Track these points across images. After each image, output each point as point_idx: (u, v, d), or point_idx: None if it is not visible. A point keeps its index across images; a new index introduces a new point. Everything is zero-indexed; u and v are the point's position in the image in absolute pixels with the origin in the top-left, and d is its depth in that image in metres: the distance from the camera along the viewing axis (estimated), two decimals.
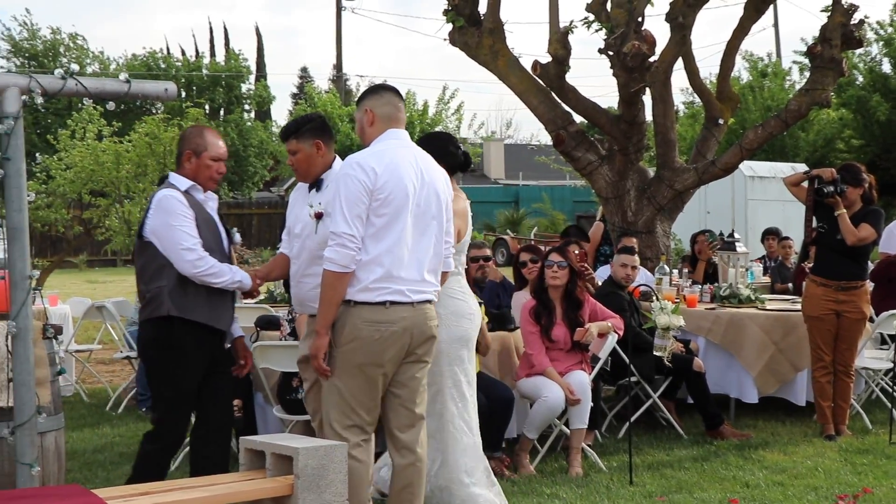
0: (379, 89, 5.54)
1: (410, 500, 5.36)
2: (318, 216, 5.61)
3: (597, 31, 11.29)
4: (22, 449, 4.69)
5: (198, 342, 5.71)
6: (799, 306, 9.11)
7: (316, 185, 5.78)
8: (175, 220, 5.67)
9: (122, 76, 4.95)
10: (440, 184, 5.43)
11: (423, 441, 5.44)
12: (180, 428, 5.86)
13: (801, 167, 27.91)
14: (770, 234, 14.04)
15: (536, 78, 11.69)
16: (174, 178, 5.92)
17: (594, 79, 74.69)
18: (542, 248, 8.98)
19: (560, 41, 11.49)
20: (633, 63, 10.84)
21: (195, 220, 5.72)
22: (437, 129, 35.00)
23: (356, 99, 5.77)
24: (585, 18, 11.39)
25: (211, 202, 5.96)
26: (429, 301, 5.36)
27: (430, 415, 5.85)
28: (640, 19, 10.74)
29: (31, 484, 4.67)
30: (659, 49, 11.21)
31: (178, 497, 4.83)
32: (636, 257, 9.28)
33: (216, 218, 5.96)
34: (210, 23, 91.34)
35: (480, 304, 7.53)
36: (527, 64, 11.76)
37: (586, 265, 9.60)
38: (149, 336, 5.76)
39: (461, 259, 6.32)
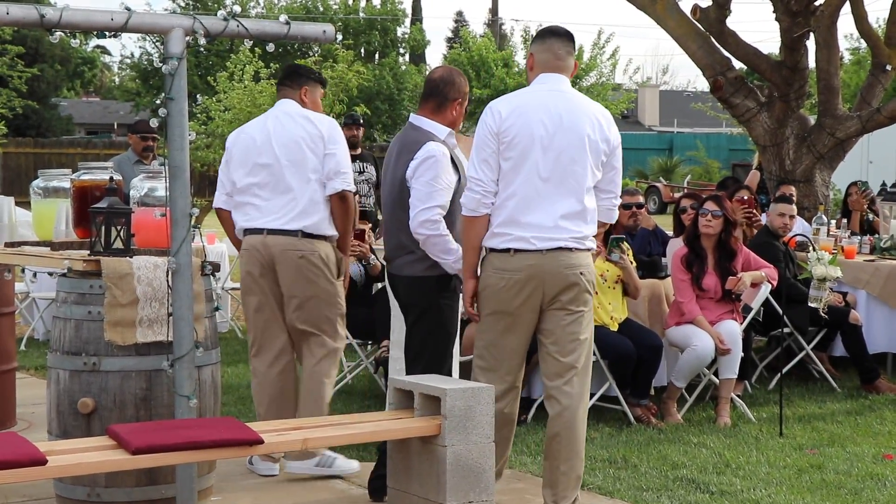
0: (544, 35, 5.38)
1: (558, 451, 5.21)
2: None
3: None
4: (180, 381, 4.84)
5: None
6: None
7: None
8: (432, 176, 5.40)
9: (283, 18, 5.02)
10: (587, 127, 5.16)
11: (573, 392, 5.22)
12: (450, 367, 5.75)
13: None
14: None
15: (696, 22, 11.46)
16: (434, 127, 5.59)
17: (755, 23, 72.88)
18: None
19: None
20: (797, 7, 10.54)
21: (456, 182, 5.48)
22: (591, 73, 34.62)
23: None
24: None
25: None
26: (564, 248, 5.12)
27: None
28: None
29: (188, 415, 4.82)
30: None
31: (329, 433, 4.94)
32: (794, 206, 9.07)
33: None
34: None
35: (625, 245, 7.51)
36: (686, 8, 11.55)
37: (754, 211, 9.41)
38: (430, 288, 5.52)
39: None
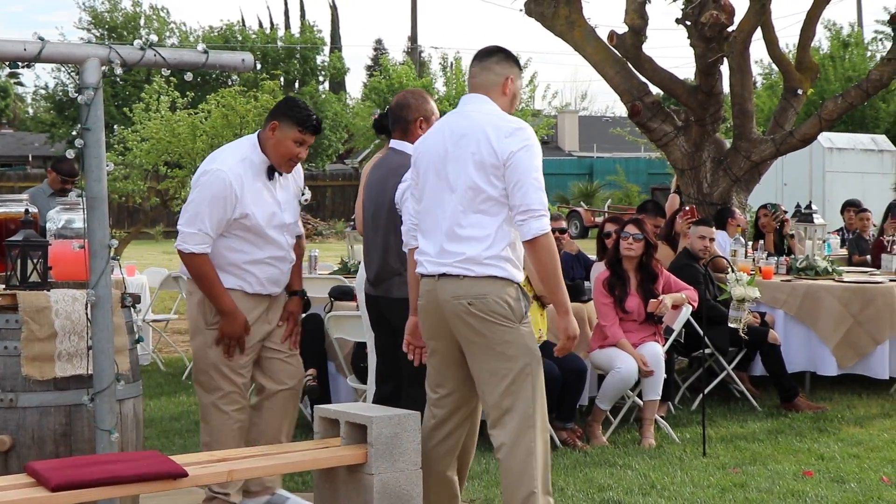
0: (473, 58, 5.20)
1: (504, 492, 5.01)
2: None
3: (674, 0, 11.15)
4: (101, 415, 4.77)
5: None
6: (878, 279, 8.96)
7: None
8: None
9: (200, 47, 4.98)
10: (473, 143, 4.89)
11: (501, 434, 4.92)
12: None
13: (882, 139, 27.43)
14: (850, 206, 13.87)
15: (613, 48, 11.58)
16: (403, 146, 5.74)
17: (671, 49, 73.91)
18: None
19: (637, 11, 11.37)
20: (710, 33, 10.70)
21: None
22: None
23: None
24: None
25: None
26: (451, 275, 4.89)
27: None
28: None
29: (110, 449, 4.75)
30: (737, 19, 11.06)
31: (254, 464, 4.90)
32: (714, 229, 9.21)
33: None
34: None
35: None
36: (603, 34, 11.67)
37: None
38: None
39: None
